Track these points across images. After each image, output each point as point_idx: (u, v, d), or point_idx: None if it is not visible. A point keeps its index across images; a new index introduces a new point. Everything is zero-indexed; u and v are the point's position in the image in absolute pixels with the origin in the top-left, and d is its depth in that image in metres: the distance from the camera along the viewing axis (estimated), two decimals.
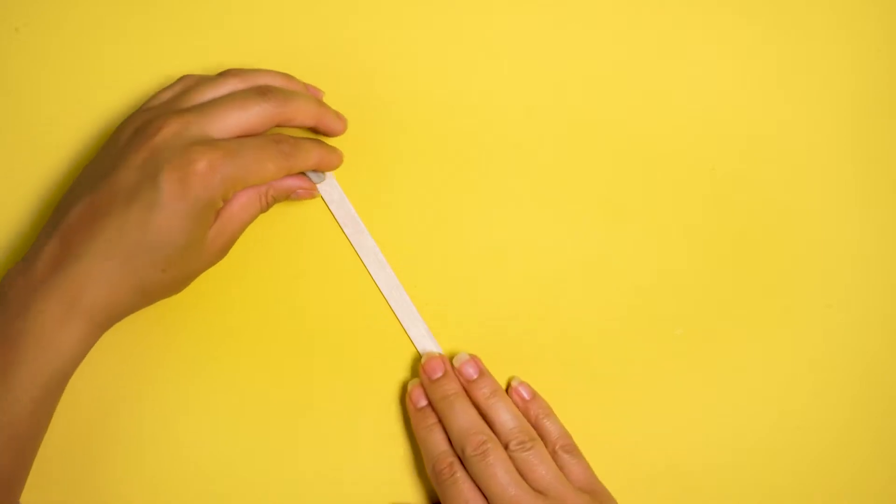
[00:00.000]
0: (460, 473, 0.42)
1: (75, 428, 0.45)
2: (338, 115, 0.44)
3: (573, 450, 0.44)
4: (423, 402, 0.45)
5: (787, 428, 0.47)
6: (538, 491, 0.42)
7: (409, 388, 0.45)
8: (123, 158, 0.39)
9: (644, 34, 0.48)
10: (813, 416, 0.47)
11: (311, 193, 0.45)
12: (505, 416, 0.44)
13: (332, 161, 0.45)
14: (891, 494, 0.47)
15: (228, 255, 0.46)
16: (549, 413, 0.45)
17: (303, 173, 0.45)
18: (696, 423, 0.47)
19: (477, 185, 0.47)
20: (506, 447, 0.43)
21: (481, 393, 0.44)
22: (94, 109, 0.46)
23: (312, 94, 0.44)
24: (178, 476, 0.45)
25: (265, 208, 0.43)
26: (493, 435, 0.43)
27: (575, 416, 0.45)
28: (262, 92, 0.41)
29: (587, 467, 0.44)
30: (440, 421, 0.44)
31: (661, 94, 0.48)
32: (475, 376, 0.45)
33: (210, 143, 0.39)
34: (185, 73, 0.44)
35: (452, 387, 0.44)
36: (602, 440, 0.45)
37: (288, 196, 0.44)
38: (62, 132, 0.46)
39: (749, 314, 0.47)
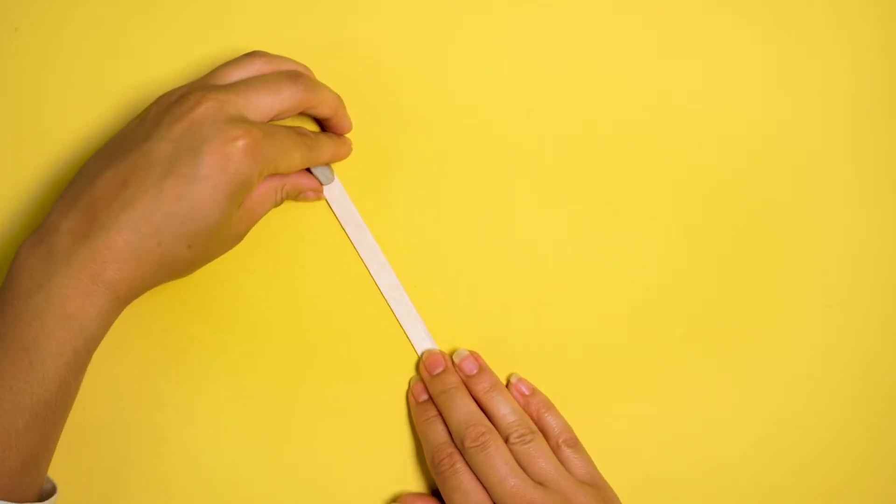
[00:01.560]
0: (460, 465, 0.42)
1: (75, 429, 0.45)
2: (347, 113, 0.45)
3: (575, 444, 0.44)
4: (424, 397, 0.45)
5: (787, 428, 0.47)
6: (538, 483, 0.42)
7: (412, 383, 0.46)
8: (157, 130, 0.39)
9: (644, 34, 0.48)
10: (813, 416, 0.47)
11: (319, 196, 0.46)
12: (504, 409, 0.44)
13: (344, 152, 0.46)
14: (891, 494, 0.47)
15: (229, 253, 0.46)
16: (551, 407, 0.45)
17: (310, 171, 0.45)
18: (695, 422, 0.47)
19: (477, 184, 0.47)
20: (506, 440, 0.43)
21: (481, 387, 0.44)
22: (94, 109, 0.46)
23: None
24: (177, 473, 0.45)
25: (279, 202, 0.44)
26: (492, 427, 0.43)
27: (575, 416, 0.45)
28: (293, 77, 0.42)
29: (589, 461, 0.44)
30: (440, 414, 0.44)
31: (662, 94, 0.48)
32: (475, 371, 0.45)
33: (250, 122, 0.39)
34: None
35: (452, 380, 0.44)
36: (602, 440, 0.45)
37: (298, 195, 0.45)
38: (62, 132, 0.46)
39: (749, 314, 0.47)
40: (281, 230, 0.46)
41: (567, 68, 0.48)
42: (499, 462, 0.42)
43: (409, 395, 0.46)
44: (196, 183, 0.38)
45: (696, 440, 0.47)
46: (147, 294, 0.46)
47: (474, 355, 0.46)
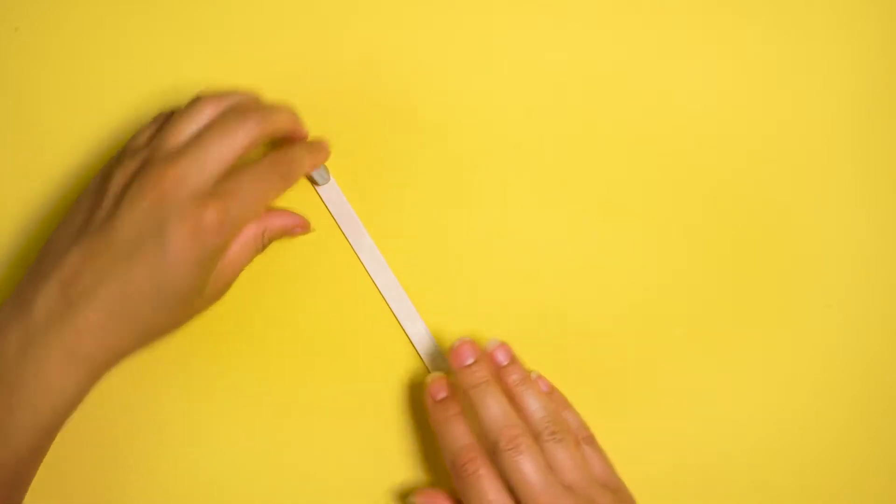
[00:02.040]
0: (484, 469, 0.41)
1: (75, 430, 0.46)
2: (301, 120, 0.44)
3: (593, 442, 0.44)
4: (443, 394, 0.44)
5: (787, 428, 0.47)
6: (566, 486, 0.40)
7: (429, 381, 0.44)
8: (119, 210, 0.38)
9: (644, 34, 0.48)
10: (813, 416, 0.47)
11: (307, 229, 0.45)
12: (535, 404, 0.42)
13: (323, 156, 0.45)
14: (891, 494, 0.47)
15: None
16: (568, 405, 0.45)
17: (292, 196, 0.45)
18: (695, 422, 0.47)
19: (476, 184, 0.47)
20: (537, 437, 0.41)
21: (511, 379, 0.43)
22: (94, 109, 0.47)
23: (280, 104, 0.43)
24: (176, 473, 0.45)
25: (261, 250, 0.43)
26: (526, 429, 0.41)
27: None
28: (242, 116, 0.40)
29: (607, 460, 0.43)
30: (464, 412, 0.43)
31: (661, 94, 0.48)
32: (506, 362, 0.44)
33: (213, 192, 0.39)
34: (160, 111, 0.43)
35: (485, 374, 0.43)
36: (601, 440, 0.45)
37: (283, 235, 0.44)
38: (62, 132, 0.46)
39: (749, 314, 0.47)
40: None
41: (567, 68, 0.48)
42: (532, 469, 0.40)
43: (426, 392, 0.44)
44: (164, 264, 0.38)
45: (695, 440, 0.46)
46: None
47: (506, 345, 0.44)
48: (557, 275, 0.47)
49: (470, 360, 0.43)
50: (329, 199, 0.46)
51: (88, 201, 0.40)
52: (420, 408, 0.46)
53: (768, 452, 0.47)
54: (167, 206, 0.38)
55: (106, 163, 0.42)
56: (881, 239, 0.48)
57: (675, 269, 0.47)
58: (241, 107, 0.41)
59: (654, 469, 0.46)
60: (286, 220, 0.44)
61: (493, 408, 0.42)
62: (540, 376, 0.45)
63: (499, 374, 0.43)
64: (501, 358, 0.44)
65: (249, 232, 0.42)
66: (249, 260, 0.43)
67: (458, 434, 0.42)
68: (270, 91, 0.47)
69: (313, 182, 0.46)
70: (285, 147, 0.43)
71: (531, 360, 0.46)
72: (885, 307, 0.47)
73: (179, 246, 0.38)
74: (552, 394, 0.45)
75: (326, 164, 0.46)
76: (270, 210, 0.44)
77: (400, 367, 0.46)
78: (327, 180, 0.46)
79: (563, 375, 0.46)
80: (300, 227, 0.45)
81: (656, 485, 0.46)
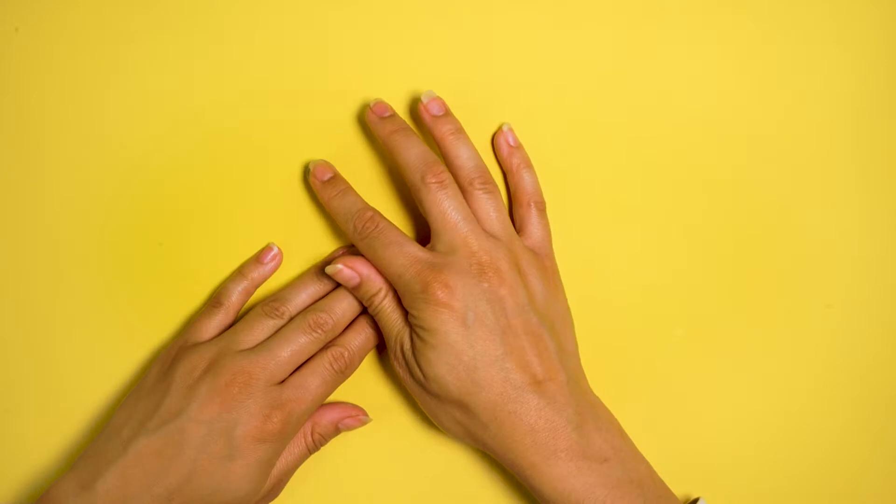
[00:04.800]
0: (384, 223, 0.42)
1: (74, 431, 0.46)
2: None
3: (544, 209, 0.44)
4: (329, 175, 0.44)
5: (787, 428, 0.47)
6: (488, 233, 0.42)
7: (312, 166, 0.44)
8: (189, 407, 0.40)
9: (644, 34, 0.48)
10: (813, 416, 0.47)
11: (361, 420, 0.45)
12: (466, 153, 0.43)
13: (373, 341, 0.45)
14: (891, 494, 0.47)
15: (226, 255, 0.46)
16: (530, 166, 0.45)
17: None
18: (695, 422, 0.47)
19: None
20: (467, 185, 0.42)
21: (446, 129, 0.44)
22: (95, 110, 0.46)
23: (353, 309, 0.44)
24: None
25: (314, 449, 0.44)
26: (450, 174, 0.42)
27: None
28: (307, 325, 0.42)
29: (548, 231, 0.44)
30: (393, 154, 0.43)
31: (661, 93, 0.48)
32: (440, 113, 0.44)
33: (280, 399, 0.41)
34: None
35: (403, 123, 0.44)
36: None
37: (336, 431, 0.44)
38: (62, 132, 0.46)
39: (749, 314, 0.47)
40: (281, 233, 0.46)
41: (567, 68, 0.48)
42: (455, 206, 0.41)
43: (311, 177, 0.44)
44: (229, 464, 0.40)
45: (695, 440, 0.47)
46: (148, 298, 0.46)
47: (440, 99, 0.44)
48: None
49: (388, 113, 0.44)
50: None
51: (153, 390, 0.41)
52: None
53: (768, 452, 0.47)
54: (235, 412, 0.40)
55: (163, 351, 0.43)
56: (881, 239, 0.48)
57: (675, 269, 0.47)
58: (307, 316, 0.43)
59: (654, 468, 0.46)
60: (335, 414, 0.44)
61: (417, 147, 0.43)
62: (511, 129, 0.46)
63: (433, 125, 0.44)
64: (437, 108, 0.44)
65: (298, 433, 0.43)
66: (300, 462, 0.44)
67: (352, 201, 0.43)
68: (270, 91, 0.47)
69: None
70: (343, 339, 0.43)
71: None
72: (885, 307, 0.47)
73: (245, 450, 0.40)
74: (519, 150, 0.45)
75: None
76: (321, 406, 0.44)
77: None
78: None
79: None
80: (351, 417, 0.45)
81: None
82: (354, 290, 0.43)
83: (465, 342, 0.40)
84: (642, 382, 0.47)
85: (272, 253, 0.45)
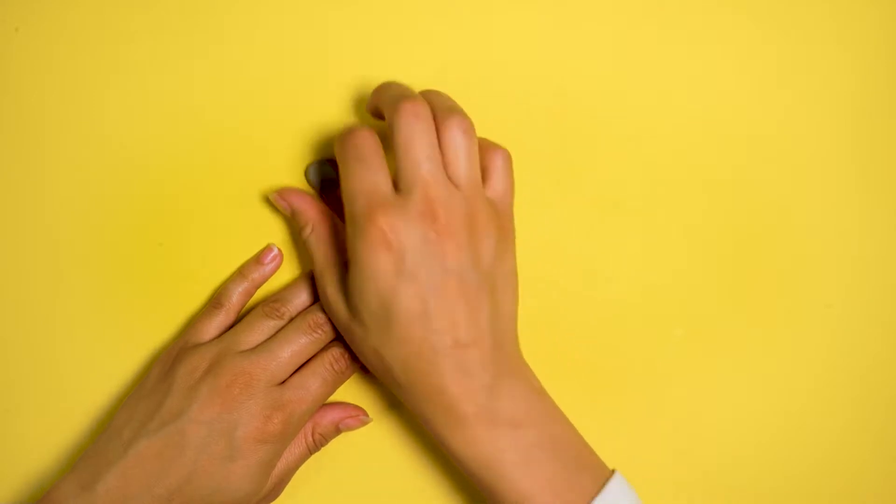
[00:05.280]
0: (371, 141, 0.40)
1: (75, 432, 0.46)
2: None
3: (510, 159, 0.42)
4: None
5: (787, 428, 0.47)
6: (451, 179, 0.40)
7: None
8: (190, 408, 0.40)
9: (644, 34, 0.48)
10: (813, 417, 0.47)
11: (362, 421, 0.45)
12: (447, 97, 0.42)
13: None
14: (891, 494, 0.47)
15: (226, 255, 0.46)
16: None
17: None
18: (695, 423, 0.47)
19: None
20: (441, 120, 0.40)
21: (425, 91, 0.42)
22: (95, 110, 0.46)
23: None
24: None
25: (315, 449, 0.44)
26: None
27: (573, 416, 0.45)
28: (306, 325, 0.42)
29: (511, 188, 0.42)
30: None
31: (661, 93, 0.48)
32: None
33: (280, 400, 0.41)
34: None
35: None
36: (600, 440, 0.45)
37: (337, 431, 0.44)
38: (62, 133, 0.46)
39: (749, 314, 0.47)
40: (281, 233, 0.46)
41: (567, 68, 0.48)
42: (425, 140, 0.39)
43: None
44: (230, 464, 0.40)
45: (695, 440, 0.47)
46: (148, 299, 0.46)
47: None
48: (556, 274, 0.47)
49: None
50: (336, 205, 0.46)
51: (154, 391, 0.42)
52: None
53: (768, 452, 0.47)
54: (236, 412, 0.40)
55: (164, 352, 0.44)
56: (881, 239, 0.48)
57: (675, 269, 0.47)
58: (306, 318, 0.43)
59: (652, 468, 0.46)
60: (335, 414, 0.44)
61: (400, 87, 0.41)
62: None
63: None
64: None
65: (299, 433, 0.43)
66: (301, 462, 0.44)
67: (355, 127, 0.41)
68: (270, 91, 0.47)
69: (321, 189, 0.46)
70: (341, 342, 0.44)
71: (531, 360, 0.46)
72: (885, 307, 0.47)
73: (245, 450, 0.40)
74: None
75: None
76: (321, 406, 0.44)
77: None
78: (335, 189, 0.46)
79: (564, 375, 0.46)
80: (351, 417, 0.45)
81: (656, 484, 0.46)
82: (293, 220, 0.43)
83: (393, 291, 0.38)
84: (642, 382, 0.47)
85: (272, 254, 0.45)
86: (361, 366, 0.43)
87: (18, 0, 0.47)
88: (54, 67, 0.47)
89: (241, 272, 0.45)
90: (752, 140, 0.48)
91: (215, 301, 0.45)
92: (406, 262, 0.38)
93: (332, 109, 0.47)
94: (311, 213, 0.43)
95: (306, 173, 0.46)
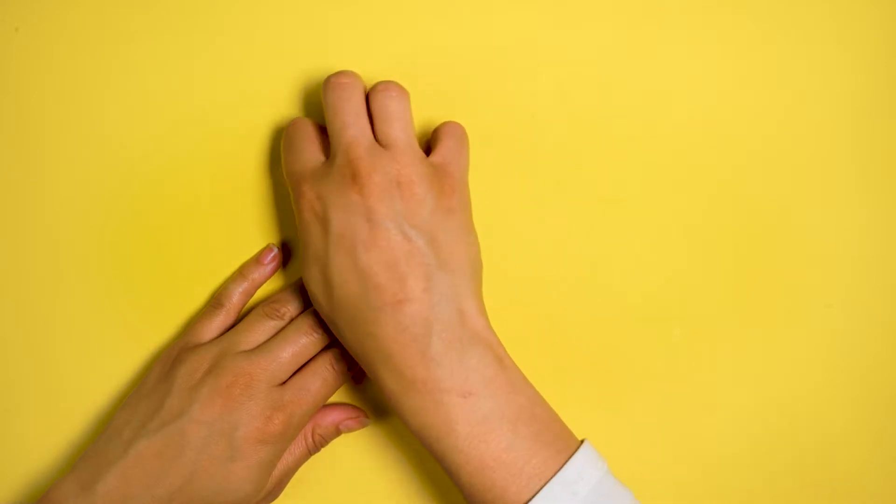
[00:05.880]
0: (305, 122, 0.42)
1: (78, 435, 0.46)
2: None
3: (464, 140, 0.43)
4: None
5: (787, 428, 0.47)
6: (382, 144, 0.40)
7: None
8: (191, 408, 0.40)
9: (644, 34, 0.48)
10: (813, 416, 0.47)
11: (362, 422, 0.45)
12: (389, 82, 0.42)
13: None
14: (891, 494, 0.47)
15: (227, 255, 0.46)
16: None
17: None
18: (694, 423, 0.47)
19: (475, 183, 0.47)
20: (372, 91, 0.41)
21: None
22: (95, 110, 0.46)
23: None
24: None
25: (314, 450, 0.44)
26: (359, 79, 0.41)
27: (573, 415, 0.45)
28: (306, 327, 0.42)
29: (461, 158, 0.42)
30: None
31: (661, 93, 0.48)
32: None
33: (281, 401, 0.41)
34: None
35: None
36: (599, 440, 0.45)
37: (337, 432, 0.44)
38: (62, 133, 0.46)
39: (749, 314, 0.47)
40: (281, 233, 0.46)
41: (566, 67, 0.48)
42: (351, 106, 0.40)
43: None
44: (230, 465, 0.40)
45: (694, 440, 0.47)
46: (148, 299, 0.46)
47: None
48: (556, 274, 0.47)
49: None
50: None
51: (154, 391, 0.41)
52: None
53: (768, 452, 0.47)
54: (237, 413, 0.40)
55: (164, 351, 0.43)
56: (881, 239, 0.48)
57: (674, 269, 0.47)
58: (304, 320, 0.43)
59: (652, 468, 0.46)
60: (336, 415, 0.44)
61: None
62: None
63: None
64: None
65: (299, 434, 0.43)
66: (301, 463, 0.44)
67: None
68: (270, 91, 0.47)
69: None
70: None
71: (531, 359, 0.46)
72: (885, 307, 0.47)
73: (246, 451, 0.40)
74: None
75: None
76: (321, 407, 0.44)
77: None
78: None
79: (563, 375, 0.46)
80: (351, 419, 0.45)
81: (656, 484, 0.46)
82: None
83: (326, 254, 0.38)
84: (642, 382, 0.47)
85: (272, 254, 0.45)
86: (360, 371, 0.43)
87: (18, 0, 0.47)
88: (54, 67, 0.46)
89: (241, 272, 0.45)
90: (752, 140, 0.48)
91: (215, 301, 0.44)
92: (332, 223, 0.38)
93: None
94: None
95: None
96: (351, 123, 0.40)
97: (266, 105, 0.47)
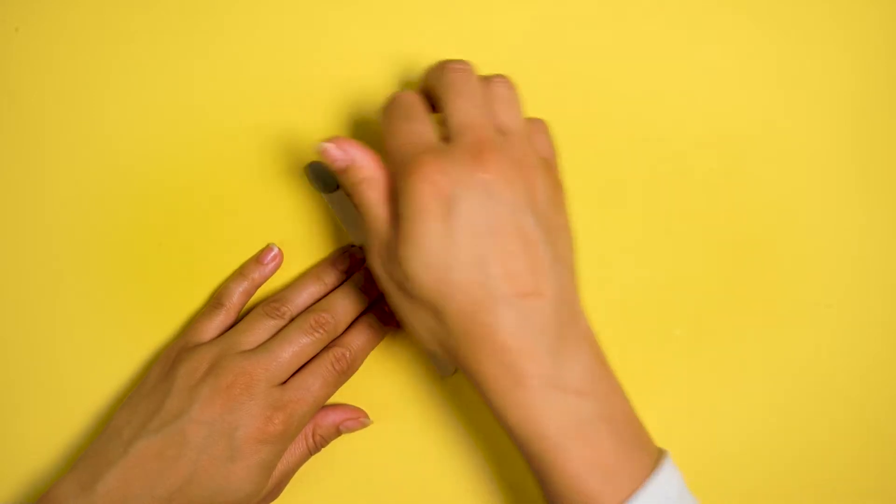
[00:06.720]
0: (414, 98, 0.39)
1: (78, 435, 0.46)
2: (358, 292, 0.45)
3: (549, 130, 0.41)
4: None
5: (787, 428, 0.47)
6: (500, 131, 0.38)
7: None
8: (191, 408, 0.40)
9: (644, 34, 0.48)
10: (813, 416, 0.47)
11: (362, 422, 0.45)
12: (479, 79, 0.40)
13: (376, 340, 0.45)
14: (891, 494, 0.47)
15: (227, 255, 0.46)
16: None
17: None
18: (694, 423, 0.47)
19: None
20: (485, 81, 0.39)
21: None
22: (95, 110, 0.46)
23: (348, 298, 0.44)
24: None
25: (314, 450, 0.44)
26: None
27: None
28: (308, 326, 0.42)
29: (555, 154, 0.41)
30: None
31: (662, 93, 0.48)
32: None
33: (281, 400, 0.41)
34: None
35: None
36: None
37: (338, 433, 0.45)
38: (62, 133, 0.46)
39: (749, 314, 0.47)
40: (281, 233, 0.46)
41: (567, 68, 0.48)
42: (474, 90, 0.38)
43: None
44: (230, 465, 0.40)
45: (694, 440, 0.47)
46: (148, 298, 0.46)
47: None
48: None
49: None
50: (334, 203, 0.46)
51: (154, 391, 0.42)
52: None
53: (768, 452, 0.47)
54: (237, 412, 0.40)
55: (164, 351, 0.44)
56: (881, 239, 0.48)
57: (674, 269, 0.47)
58: (307, 318, 0.43)
59: None
60: (336, 416, 0.45)
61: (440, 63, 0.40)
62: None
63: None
64: None
65: (299, 435, 0.43)
66: (301, 463, 0.44)
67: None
68: (270, 91, 0.47)
69: (320, 189, 0.46)
70: (345, 339, 0.44)
71: None
72: (885, 307, 0.47)
73: (246, 451, 0.40)
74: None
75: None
76: (322, 408, 0.45)
77: (400, 367, 0.46)
78: (335, 188, 0.46)
79: None
80: (351, 419, 0.45)
81: None
82: (341, 174, 0.39)
83: (446, 234, 0.35)
84: (642, 382, 0.46)
85: (272, 253, 0.45)
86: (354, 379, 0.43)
87: (18, 0, 0.47)
88: (54, 67, 0.47)
89: (241, 272, 0.45)
90: (752, 140, 0.48)
91: (215, 301, 0.45)
92: (458, 204, 0.35)
93: (332, 109, 0.47)
94: (370, 167, 0.38)
95: (306, 173, 0.46)
96: (475, 105, 0.38)
97: (266, 105, 0.47)
